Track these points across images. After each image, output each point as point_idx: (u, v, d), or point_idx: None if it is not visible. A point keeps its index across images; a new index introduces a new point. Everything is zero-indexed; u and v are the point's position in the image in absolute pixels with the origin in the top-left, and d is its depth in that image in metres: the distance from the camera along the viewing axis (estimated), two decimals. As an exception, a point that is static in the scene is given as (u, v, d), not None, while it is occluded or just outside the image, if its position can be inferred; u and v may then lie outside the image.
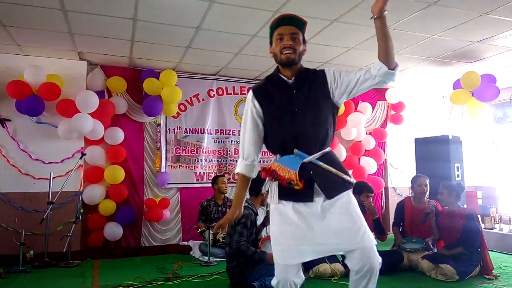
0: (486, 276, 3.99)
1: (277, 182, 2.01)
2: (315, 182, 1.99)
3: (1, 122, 4.94)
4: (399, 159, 7.16)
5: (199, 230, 4.98)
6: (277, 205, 2.04)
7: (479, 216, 4.33)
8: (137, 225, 5.57)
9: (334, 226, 1.95)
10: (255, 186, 3.71)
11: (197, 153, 6.01)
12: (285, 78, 2.08)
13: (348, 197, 2.03)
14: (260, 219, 3.95)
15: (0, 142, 4.94)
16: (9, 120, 4.98)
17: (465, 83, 5.43)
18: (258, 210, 3.73)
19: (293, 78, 2.07)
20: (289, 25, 2.04)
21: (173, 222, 5.83)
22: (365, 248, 1.92)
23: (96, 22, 4.12)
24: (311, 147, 2.00)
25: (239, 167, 2.16)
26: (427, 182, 4.57)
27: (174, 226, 5.84)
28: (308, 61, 5.54)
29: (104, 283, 3.86)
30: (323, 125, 2.02)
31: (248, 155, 2.13)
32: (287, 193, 1.99)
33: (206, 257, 4.68)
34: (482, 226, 5.52)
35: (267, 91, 2.10)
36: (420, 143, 6.43)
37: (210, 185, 5.57)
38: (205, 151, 6.07)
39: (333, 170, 1.99)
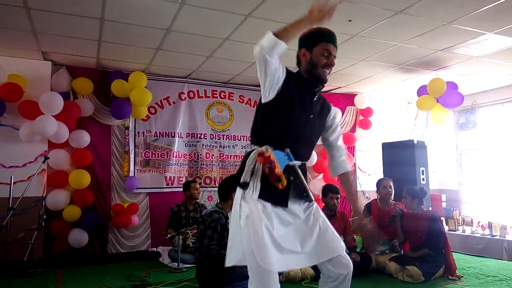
0: (450, 277, 4.13)
1: (259, 177, 1.95)
2: (294, 189, 2.03)
3: (-43, 124, 4.69)
4: (368, 163, 7.32)
5: (169, 235, 4.89)
6: (256, 204, 1.93)
7: (442, 218, 4.48)
8: (104, 231, 5.39)
9: (319, 235, 2.01)
10: (225, 190, 3.70)
11: (167, 157, 5.91)
12: (312, 87, 2.12)
13: (318, 207, 2.13)
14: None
15: (-44, 145, 4.68)
16: (-34, 122, 4.73)
17: (431, 90, 5.63)
18: (228, 214, 3.70)
19: (317, 89, 2.14)
20: (335, 47, 2.10)
21: (142, 228, 5.69)
22: (344, 255, 2.03)
23: (61, 21, 3.98)
24: (301, 153, 2.07)
25: (268, 35, 1.93)
26: (391, 184, 4.71)
27: (143, 232, 5.70)
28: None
29: (68, 292, 3.73)
30: (316, 141, 2.20)
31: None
32: (267, 192, 1.94)
33: (176, 264, 4.59)
34: (446, 228, 5.73)
35: (297, 81, 2.07)
36: (387, 147, 6.61)
37: (180, 189, 5.50)
38: (176, 155, 5.97)
39: (304, 182, 2.07)
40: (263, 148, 1.97)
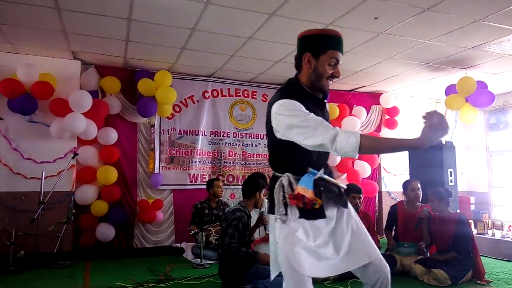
0: (478, 282, 4.00)
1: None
2: (328, 197, 1.94)
3: (-7, 121, 4.90)
4: (393, 163, 7.19)
5: (192, 232, 4.96)
6: (295, 222, 1.90)
7: (471, 221, 4.35)
8: (130, 226, 5.53)
9: (351, 240, 1.94)
10: (249, 188, 3.72)
11: (191, 154, 5.99)
12: (317, 96, 1.98)
13: (349, 205, 2.04)
14: (253, 221, 3.93)
15: (-8, 140, 4.90)
16: (1, 119, 4.92)
17: (460, 89, 5.46)
18: (251, 212, 3.72)
19: (321, 96, 2.02)
20: (342, 53, 1.91)
21: (166, 223, 5.80)
22: (381, 258, 1.95)
23: (91, 21, 4.10)
24: (323, 163, 1.98)
25: (352, 132, 1.73)
26: (419, 185, 4.60)
27: (167, 228, 5.80)
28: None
29: (95, 284, 3.83)
30: None
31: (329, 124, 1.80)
32: (305, 212, 1.88)
33: (199, 260, 4.65)
34: (475, 231, 5.56)
35: (305, 104, 1.86)
36: (414, 148, 6.45)
37: (203, 187, 5.57)
38: (199, 153, 6.05)
39: (334, 181, 1.97)
40: (284, 180, 1.89)
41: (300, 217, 1.88)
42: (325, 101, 2.07)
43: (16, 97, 4.71)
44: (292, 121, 1.80)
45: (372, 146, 1.73)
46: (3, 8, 3.80)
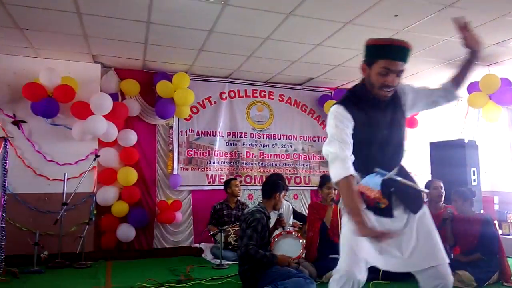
0: (505, 283, 3.89)
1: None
2: (398, 198, 1.95)
3: (16, 124, 5.02)
4: (414, 163, 7.05)
5: (211, 232, 4.97)
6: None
7: (495, 221, 4.24)
8: (150, 227, 5.59)
9: (418, 242, 1.93)
10: (269, 189, 3.70)
11: (208, 155, 6.01)
12: (377, 97, 1.96)
13: (425, 209, 2.03)
14: (272, 223, 3.91)
15: (16, 143, 5.00)
16: (25, 122, 5.05)
17: (484, 86, 5.32)
18: (270, 214, 3.70)
19: (386, 101, 1.99)
20: (400, 61, 1.87)
21: (185, 224, 5.84)
22: (447, 266, 1.92)
23: (110, 25, 4.16)
24: (394, 162, 1.98)
25: (348, 168, 1.81)
26: (442, 185, 4.50)
27: (186, 228, 5.84)
28: (320, 64, 5.53)
29: (117, 284, 3.89)
30: (403, 141, 2.05)
31: (349, 148, 1.84)
32: (371, 209, 1.91)
33: (218, 260, 4.66)
34: (499, 232, 5.40)
35: (359, 108, 1.92)
36: (435, 147, 6.33)
37: (221, 187, 5.58)
38: (217, 154, 6.07)
39: (409, 183, 1.95)
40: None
41: (367, 208, 1.91)
42: (394, 99, 2.00)
43: (39, 100, 4.82)
44: (329, 130, 1.92)
45: (342, 191, 1.87)
46: (26, 14, 3.90)
